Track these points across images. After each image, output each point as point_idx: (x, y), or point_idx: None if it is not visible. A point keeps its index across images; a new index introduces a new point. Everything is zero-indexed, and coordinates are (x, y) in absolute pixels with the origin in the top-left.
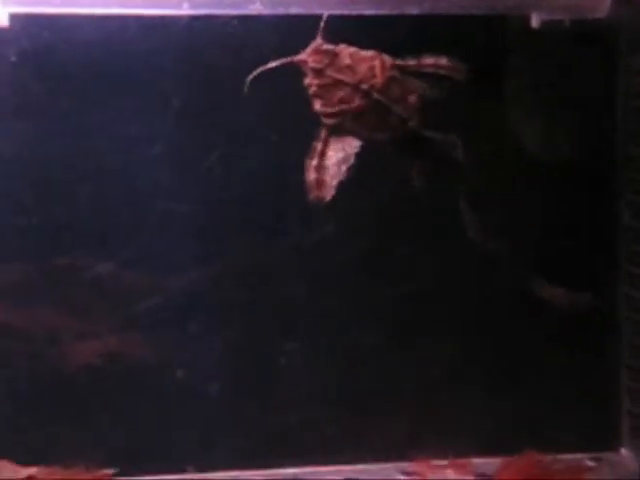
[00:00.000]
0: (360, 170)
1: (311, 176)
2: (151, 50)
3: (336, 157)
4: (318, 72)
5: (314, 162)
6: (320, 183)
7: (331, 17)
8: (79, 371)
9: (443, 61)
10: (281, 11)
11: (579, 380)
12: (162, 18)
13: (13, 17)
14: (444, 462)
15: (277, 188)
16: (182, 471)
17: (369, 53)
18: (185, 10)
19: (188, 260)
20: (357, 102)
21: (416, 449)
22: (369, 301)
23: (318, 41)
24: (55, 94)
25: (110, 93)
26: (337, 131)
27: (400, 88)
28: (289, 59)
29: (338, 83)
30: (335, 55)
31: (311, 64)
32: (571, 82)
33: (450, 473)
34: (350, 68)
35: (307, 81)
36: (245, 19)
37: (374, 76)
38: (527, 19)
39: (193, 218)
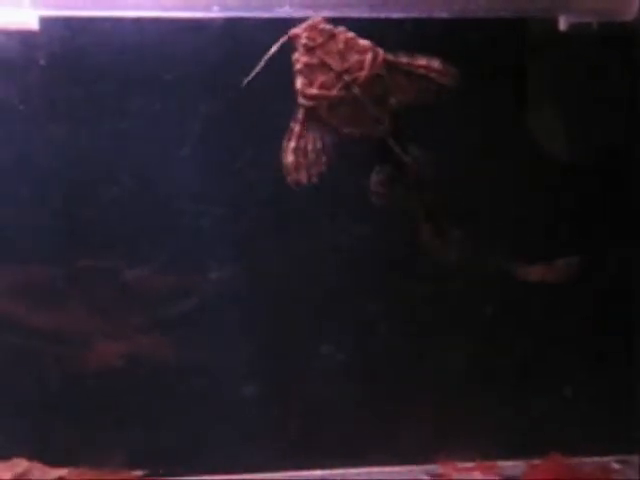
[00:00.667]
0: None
1: (289, 158)
2: (181, 52)
3: (316, 144)
4: (309, 49)
5: (292, 144)
6: (298, 166)
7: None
8: (103, 372)
9: (435, 64)
10: (311, 14)
11: (605, 382)
12: (193, 21)
13: (43, 20)
14: (471, 464)
15: (308, 189)
16: (209, 472)
17: (364, 43)
18: (215, 13)
19: (217, 262)
20: (335, 92)
21: (443, 451)
22: (394, 301)
23: (318, 18)
24: (85, 97)
25: (141, 96)
26: (311, 116)
27: (383, 88)
28: (284, 37)
29: (324, 66)
30: (331, 36)
31: (303, 39)
32: (598, 84)
33: (477, 475)
34: (340, 54)
35: (295, 56)
36: (275, 22)
37: (361, 69)
38: (555, 22)
39: (224, 220)
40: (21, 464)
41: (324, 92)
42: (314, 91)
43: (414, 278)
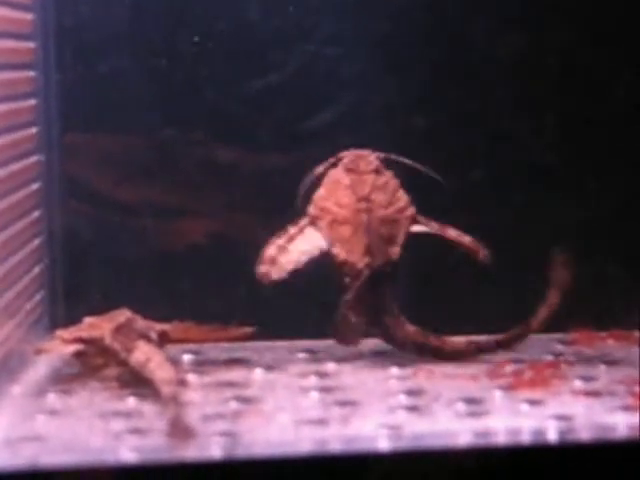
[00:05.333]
0: None
1: (269, 252)
2: None
3: (302, 246)
4: (347, 170)
5: (280, 241)
6: (273, 261)
7: None
8: (185, 249)
9: (466, 239)
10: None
11: None
12: None
13: None
14: (604, 333)
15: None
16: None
17: (403, 196)
18: None
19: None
20: (345, 212)
21: (577, 320)
22: None
23: (372, 153)
24: None
25: None
26: (312, 224)
27: (392, 233)
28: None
29: (349, 189)
30: (375, 172)
31: (347, 160)
32: None
33: (611, 343)
34: (373, 188)
35: (331, 171)
36: None
37: (383, 208)
38: None
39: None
40: (124, 314)
41: (334, 208)
42: (326, 204)
43: None
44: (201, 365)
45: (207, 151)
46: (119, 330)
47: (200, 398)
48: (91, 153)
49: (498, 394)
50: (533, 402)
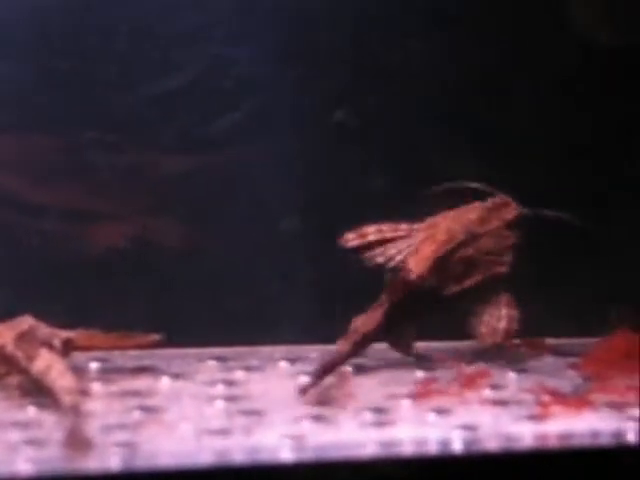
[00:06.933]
0: None
1: (367, 228)
2: None
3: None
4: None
5: (384, 227)
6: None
7: None
8: (103, 252)
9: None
10: None
11: None
12: None
13: None
14: (518, 341)
15: None
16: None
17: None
18: None
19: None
20: (444, 236)
21: None
22: None
23: None
24: None
25: None
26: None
27: (465, 272)
28: None
29: (479, 223)
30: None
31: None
32: None
33: (524, 350)
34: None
35: None
36: None
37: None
38: None
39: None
40: (26, 321)
41: (442, 227)
42: (443, 221)
43: None
44: (107, 373)
45: (120, 154)
46: (22, 338)
47: (103, 407)
48: (2, 155)
49: (405, 403)
50: (440, 411)
